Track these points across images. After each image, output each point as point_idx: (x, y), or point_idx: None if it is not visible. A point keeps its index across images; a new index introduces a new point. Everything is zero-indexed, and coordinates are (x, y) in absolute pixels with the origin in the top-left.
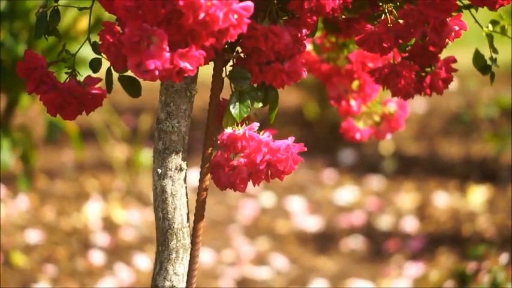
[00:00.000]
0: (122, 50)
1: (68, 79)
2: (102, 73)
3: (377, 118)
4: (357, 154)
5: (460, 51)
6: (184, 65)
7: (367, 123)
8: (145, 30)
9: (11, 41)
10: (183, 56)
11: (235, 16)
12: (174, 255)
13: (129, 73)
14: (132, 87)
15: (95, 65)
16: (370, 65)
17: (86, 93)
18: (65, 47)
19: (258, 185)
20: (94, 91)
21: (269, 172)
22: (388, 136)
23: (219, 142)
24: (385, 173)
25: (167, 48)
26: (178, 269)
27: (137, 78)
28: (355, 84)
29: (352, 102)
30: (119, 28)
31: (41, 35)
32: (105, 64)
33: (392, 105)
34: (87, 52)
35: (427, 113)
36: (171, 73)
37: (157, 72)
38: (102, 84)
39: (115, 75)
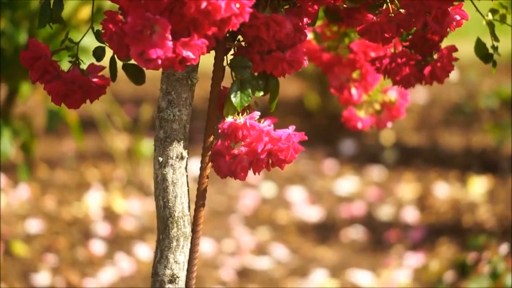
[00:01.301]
0: (124, 39)
1: (72, 68)
2: (105, 61)
3: (378, 106)
4: (358, 144)
5: (461, 42)
6: (187, 53)
7: (368, 111)
8: (148, 19)
9: (12, 30)
10: (186, 45)
11: (237, 5)
12: (174, 243)
13: (133, 61)
14: (136, 75)
15: (98, 53)
16: (373, 54)
17: (89, 81)
18: (67, 36)
19: (259, 174)
20: (98, 79)
21: (270, 161)
22: (389, 124)
23: (220, 131)
24: (386, 164)
25: (170, 37)
26: (179, 257)
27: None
28: (356, 73)
29: (353, 91)
30: (121, 17)
31: (45, 23)
32: (109, 52)
33: (393, 93)
34: (89, 41)
35: (428, 104)
36: (174, 62)
37: (160, 61)
38: (105, 72)
39: (119, 63)
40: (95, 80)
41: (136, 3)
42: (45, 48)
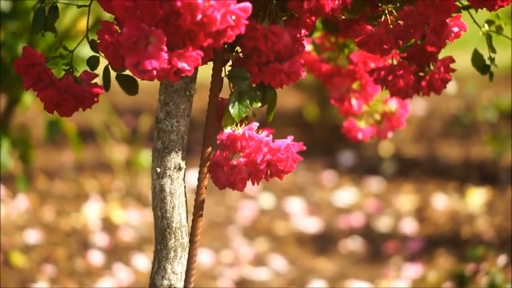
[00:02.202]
0: (120, 50)
1: (65, 76)
2: (100, 70)
3: (378, 117)
4: (357, 156)
5: (459, 53)
6: (182, 65)
7: (368, 122)
8: (144, 30)
9: (12, 41)
10: (181, 56)
11: (233, 17)
12: (172, 254)
13: (127, 72)
14: (129, 86)
15: (92, 62)
16: (372, 65)
17: (83, 90)
18: (61, 43)
19: (258, 184)
20: (91, 88)
21: (269, 172)
22: (390, 135)
23: (218, 142)
24: (385, 175)
25: (165, 49)
26: (177, 268)
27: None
28: (356, 84)
29: (354, 102)
30: (117, 27)
31: (38, 30)
32: (103, 62)
33: (393, 103)
34: (85, 51)
35: (427, 115)
36: (169, 73)
37: (155, 72)
38: (99, 81)
39: (113, 73)
40: (87, 89)
41: (132, 14)
42: (39, 56)
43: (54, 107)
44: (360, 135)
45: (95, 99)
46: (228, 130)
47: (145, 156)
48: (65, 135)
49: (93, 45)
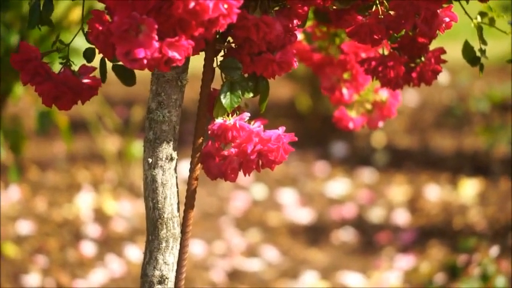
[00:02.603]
0: (110, 39)
1: (63, 69)
2: (96, 63)
3: (369, 106)
4: (349, 147)
5: (452, 45)
6: (173, 54)
7: (359, 111)
8: (135, 18)
9: (3, 31)
10: (172, 45)
11: (225, 6)
12: (164, 244)
13: (119, 61)
14: (126, 76)
15: (88, 54)
16: (363, 55)
17: (80, 83)
18: (58, 37)
19: (249, 175)
20: (88, 80)
21: (260, 162)
22: (380, 124)
23: (209, 132)
24: (377, 166)
25: (156, 37)
26: (168, 259)
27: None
28: (347, 73)
29: (345, 91)
30: (108, 17)
31: (35, 25)
32: (99, 54)
33: (384, 93)
34: (80, 42)
35: (419, 106)
36: (159, 62)
37: (145, 61)
38: (97, 73)
39: (109, 64)
40: (85, 81)
41: (123, 2)
42: (35, 50)
43: (52, 100)
44: (350, 125)
45: (94, 91)
46: (219, 120)
47: (138, 147)
48: (57, 126)
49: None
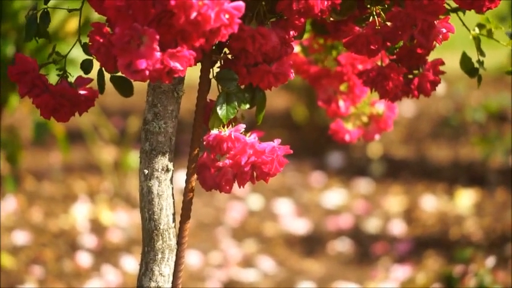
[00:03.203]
0: (112, 51)
1: (60, 81)
2: (93, 74)
3: (365, 119)
4: (345, 157)
5: (449, 55)
6: (175, 65)
7: (355, 124)
8: (136, 30)
9: (0, 43)
10: (173, 56)
11: (227, 16)
12: (159, 255)
13: (121, 73)
14: (124, 87)
15: (86, 66)
16: (360, 67)
17: (78, 94)
18: (55, 49)
19: (243, 187)
20: (86, 92)
21: (254, 174)
22: (377, 137)
23: (205, 143)
24: (373, 176)
25: (158, 48)
26: (164, 270)
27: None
28: (344, 85)
29: (341, 104)
30: (108, 29)
31: (31, 37)
32: (97, 65)
33: (380, 106)
34: (77, 53)
35: (416, 117)
36: (161, 73)
37: (147, 73)
38: (93, 85)
39: (107, 75)
40: (83, 92)
41: (124, 14)
42: (32, 62)
43: (51, 112)
44: (347, 137)
45: (91, 103)
46: (214, 131)
47: (134, 158)
48: (53, 137)
49: (86, 49)
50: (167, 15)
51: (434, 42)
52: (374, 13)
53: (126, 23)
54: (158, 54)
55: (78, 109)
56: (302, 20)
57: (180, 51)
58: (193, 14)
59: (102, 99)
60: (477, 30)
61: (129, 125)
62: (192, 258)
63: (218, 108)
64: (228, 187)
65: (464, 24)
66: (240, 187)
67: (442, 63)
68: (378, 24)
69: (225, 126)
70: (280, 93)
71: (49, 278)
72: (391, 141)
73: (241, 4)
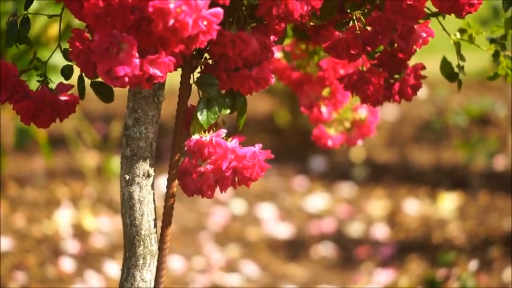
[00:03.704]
0: (91, 57)
1: (40, 87)
2: (74, 80)
3: (348, 124)
4: (328, 161)
5: (430, 59)
6: (154, 71)
7: (338, 129)
8: (115, 36)
9: None
10: (153, 62)
11: (205, 22)
12: (141, 261)
13: (101, 79)
14: (104, 93)
15: (66, 72)
16: (342, 71)
17: (58, 100)
18: (35, 55)
19: (225, 192)
20: (66, 98)
21: (236, 179)
22: (359, 142)
23: (186, 148)
24: (356, 180)
25: (137, 55)
26: (146, 275)
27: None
28: (326, 91)
29: (323, 109)
30: (88, 35)
31: (12, 43)
32: (77, 71)
33: (363, 111)
34: (58, 59)
35: (398, 121)
36: (141, 79)
37: (127, 79)
38: (74, 91)
39: (87, 81)
40: (63, 98)
41: (103, 21)
42: (12, 68)
43: (31, 118)
44: (329, 143)
45: (72, 109)
46: (195, 137)
47: (117, 163)
48: (36, 142)
49: (66, 55)
50: (146, 21)
51: (415, 47)
52: (354, 18)
53: (105, 29)
54: (137, 60)
55: (59, 115)
56: (282, 24)
57: (159, 58)
58: (171, 21)
59: (84, 105)
60: (458, 35)
61: (112, 130)
62: (175, 263)
63: (199, 114)
64: (209, 192)
65: (444, 28)
66: (222, 192)
67: (423, 67)
68: (358, 28)
69: (206, 132)
70: (263, 97)
71: (32, 283)
72: (374, 145)
73: (220, 11)
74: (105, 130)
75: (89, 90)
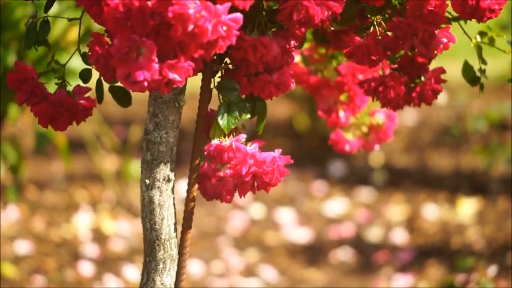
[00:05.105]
0: (111, 61)
1: (58, 90)
2: (92, 83)
3: (365, 129)
4: (347, 166)
5: (450, 63)
6: (173, 76)
7: (355, 134)
8: (134, 41)
9: (1, 52)
10: (172, 67)
11: (224, 28)
12: (161, 266)
13: (120, 83)
14: (122, 98)
15: (85, 75)
16: (361, 76)
17: (76, 103)
18: (54, 57)
19: (244, 197)
20: (84, 101)
21: (255, 184)
22: (377, 147)
23: (206, 153)
24: (375, 185)
25: (156, 60)
26: (166, 280)
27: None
28: (344, 95)
29: (341, 114)
30: (107, 39)
31: (31, 45)
32: (95, 74)
33: (380, 116)
34: (76, 63)
35: (417, 126)
36: (160, 84)
37: (146, 83)
38: (92, 94)
39: (105, 85)
40: (81, 102)
41: (123, 25)
42: (31, 70)
43: (48, 121)
44: (347, 147)
45: (89, 112)
46: (215, 141)
47: (136, 167)
48: (54, 146)
49: (85, 58)
50: (165, 26)
51: (435, 52)
52: (375, 23)
53: (124, 34)
54: (156, 65)
55: (76, 118)
56: (303, 29)
57: (178, 63)
58: (191, 26)
59: (103, 108)
60: (479, 39)
61: (131, 134)
62: (194, 268)
63: (219, 118)
64: (228, 197)
65: (465, 32)
66: (240, 197)
67: (444, 71)
68: (378, 33)
69: (226, 136)
70: (282, 102)
71: (51, 287)
72: (393, 150)
73: (239, 16)
74: (124, 134)
75: (108, 94)
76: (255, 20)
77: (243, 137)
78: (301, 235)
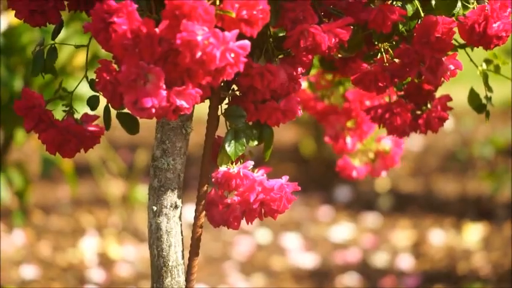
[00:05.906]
0: (118, 88)
1: (66, 117)
2: (99, 110)
3: (372, 155)
4: (353, 191)
5: (456, 89)
6: (181, 103)
7: (362, 160)
8: (142, 68)
9: (8, 77)
10: (180, 94)
11: (232, 55)
12: None
13: (127, 110)
14: (130, 124)
15: (92, 102)
16: (368, 103)
17: (84, 130)
18: (61, 85)
19: (251, 223)
20: (92, 128)
21: (262, 211)
22: (383, 173)
23: (213, 180)
24: (381, 210)
25: (164, 86)
26: None
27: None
28: (351, 122)
29: (348, 140)
30: (115, 66)
31: (38, 72)
32: (103, 101)
33: (387, 142)
34: (83, 88)
35: (423, 151)
36: (168, 111)
37: (153, 110)
38: (100, 121)
39: (113, 111)
40: (89, 129)
41: (131, 52)
42: (39, 97)
43: (56, 148)
44: (354, 174)
45: (97, 139)
46: (223, 168)
47: (142, 192)
48: (61, 171)
49: (93, 85)
50: (173, 53)
51: (442, 79)
52: (382, 50)
53: (132, 60)
54: (164, 92)
55: (84, 145)
56: (310, 56)
57: (186, 89)
58: (199, 53)
59: (109, 133)
60: (484, 66)
61: (137, 159)
62: None
63: (226, 145)
64: (236, 223)
65: (471, 60)
66: (248, 223)
67: (450, 99)
68: (386, 60)
69: (234, 163)
70: (288, 127)
71: None
72: (399, 175)
73: (247, 43)
74: (130, 158)
75: (114, 119)
76: (262, 47)
77: (250, 163)
78: (307, 260)
